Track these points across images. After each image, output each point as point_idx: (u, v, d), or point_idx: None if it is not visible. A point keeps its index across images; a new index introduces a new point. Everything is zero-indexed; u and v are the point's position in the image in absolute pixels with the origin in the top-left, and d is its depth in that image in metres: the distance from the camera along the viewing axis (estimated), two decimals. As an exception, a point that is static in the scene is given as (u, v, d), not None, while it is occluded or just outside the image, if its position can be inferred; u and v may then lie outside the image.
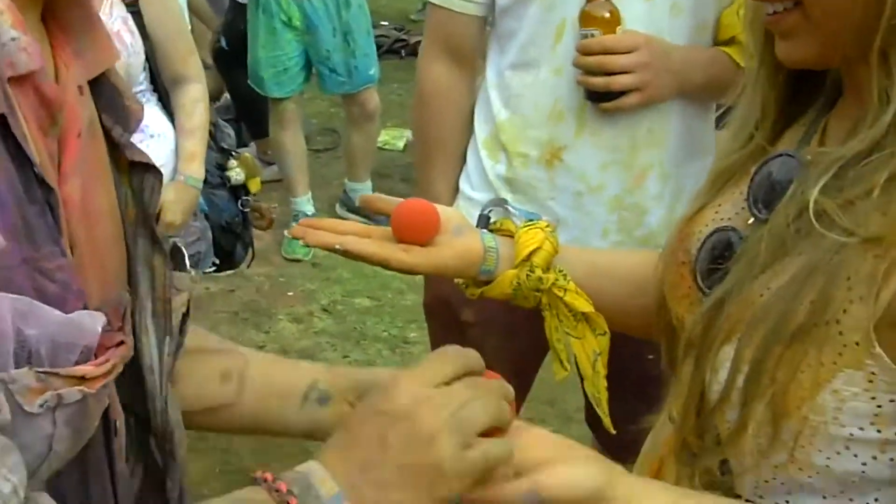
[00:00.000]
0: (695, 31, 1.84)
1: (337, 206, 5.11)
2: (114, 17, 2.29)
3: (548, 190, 1.90)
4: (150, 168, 0.92)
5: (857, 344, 0.89)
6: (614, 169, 1.87)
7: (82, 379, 0.73)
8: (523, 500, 0.87)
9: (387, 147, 6.04)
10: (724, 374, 0.99)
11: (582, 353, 1.28)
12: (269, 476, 0.82)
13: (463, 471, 0.83)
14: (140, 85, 2.44)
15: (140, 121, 0.93)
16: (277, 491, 0.80)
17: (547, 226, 1.27)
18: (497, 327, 2.01)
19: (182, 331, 0.96)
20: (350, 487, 0.82)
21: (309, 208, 4.88)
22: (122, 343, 0.79)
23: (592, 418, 2.28)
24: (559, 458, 0.91)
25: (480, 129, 1.99)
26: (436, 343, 2.27)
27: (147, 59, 2.42)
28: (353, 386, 1.12)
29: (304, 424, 1.12)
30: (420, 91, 2.08)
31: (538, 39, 1.84)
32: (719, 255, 1.07)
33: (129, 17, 2.34)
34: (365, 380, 1.12)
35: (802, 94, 1.09)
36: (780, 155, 1.05)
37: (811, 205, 0.93)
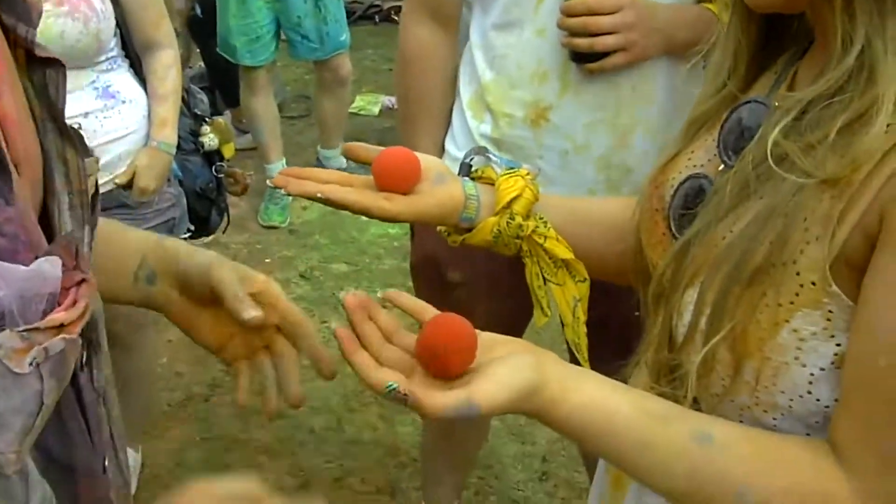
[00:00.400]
0: None
1: (312, 173, 5.07)
2: (83, -17, 2.26)
3: (534, 149, 1.90)
4: (50, 63, 0.87)
5: (813, 284, 0.91)
6: (600, 128, 1.86)
7: (61, 326, 0.71)
8: (459, 411, 0.90)
9: (362, 112, 6.04)
10: (688, 316, 1.01)
11: (562, 299, 1.29)
12: None
13: None
14: (111, 51, 2.41)
15: (41, 13, 0.89)
16: None
17: (527, 174, 1.27)
18: (484, 288, 2.02)
19: (93, 210, 0.93)
20: None
21: (284, 175, 4.84)
22: (83, 280, 0.77)
23: None
24: (489, 363, 0.95)
25: (465, 90, 1.98)
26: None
27: (118, 24, 2.40)
28: (174, 271, 1.14)
29: (138, 299, 1.15)
30: (403, 53, 2.07)
31: (521, 0, 1.83)
32: (691, 201, 1.09)
33: (100, -19, 2.30)
34: (183, 267, 1.13)
35: (774, 41, 1.10)
36: (750, 101, 1.06)
37: (769, 146, 0.95)
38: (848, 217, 0.90)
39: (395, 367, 0.96)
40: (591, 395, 0.96)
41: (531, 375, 0.93)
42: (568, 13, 1.76)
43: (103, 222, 1.14)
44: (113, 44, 2.40)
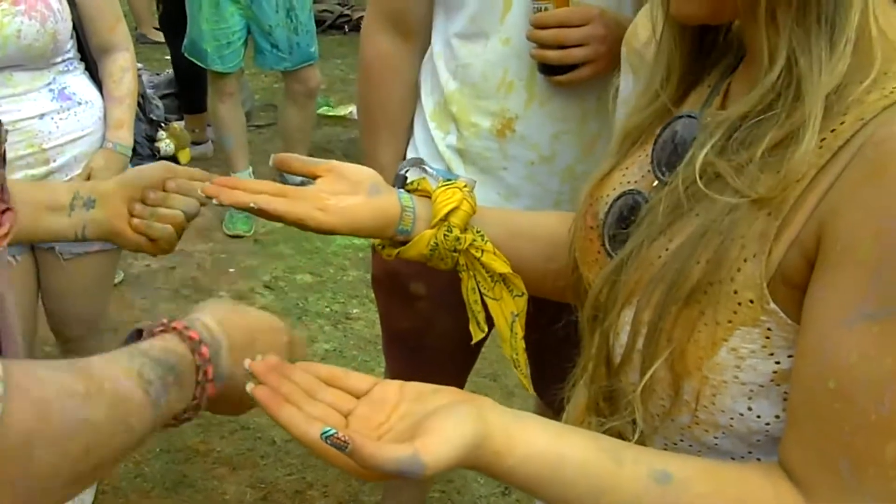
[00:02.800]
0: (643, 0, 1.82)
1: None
2: (40, -17, 2.24)
3: (500, 160, 1.88)
4: None
5: (751, 302, 0.90)
6: (566, 138, 1.85)
7: None
8: (402, 465, 0.84)
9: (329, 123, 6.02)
10: (625, 336, 0.99)
11: (500, 314, 1.26)
12: (193, 335, 0.96)
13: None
14: (67, 52, 2.40)
15: None
16: (201, 355, 0.95)
17: (465, 186, 1.25)
18: (446, 301, 1.99)
19: (3, 164, 1.01)
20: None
21: (250, 183, 4.81)
22: (7, 209, 0.88)
23: (539, 387, 2.27)
24: (428, 416, 0.89)
25: (427, 101, 1.96)
26: (384, 317, 2.24)
27: (74, 27, 2.39)
28: (119, 186, 1.34)
29: (76, 225, 1.32)
30: (364, 64, 2.04)
31: (487, 10, 1.81)
32: (626, 218, 1.07)
33: (56, -18, 2.30)
34: (129, 178, 1.36)
35: (707, 53, 1.09)
36: (682, 116, 1.05)
37: (697, 167, 0.94)
38: (784, 234, 0.89)
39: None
40: (537, 443, 0.91)
41: (475, 428, 0.88)
42: (538, 25, 1.75)
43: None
44: (69, 45, 2.40)
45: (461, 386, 2.23)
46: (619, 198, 1.09)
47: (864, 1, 0.88)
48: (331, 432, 0.83)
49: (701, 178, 0.95)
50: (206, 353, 0.94)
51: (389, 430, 0.92)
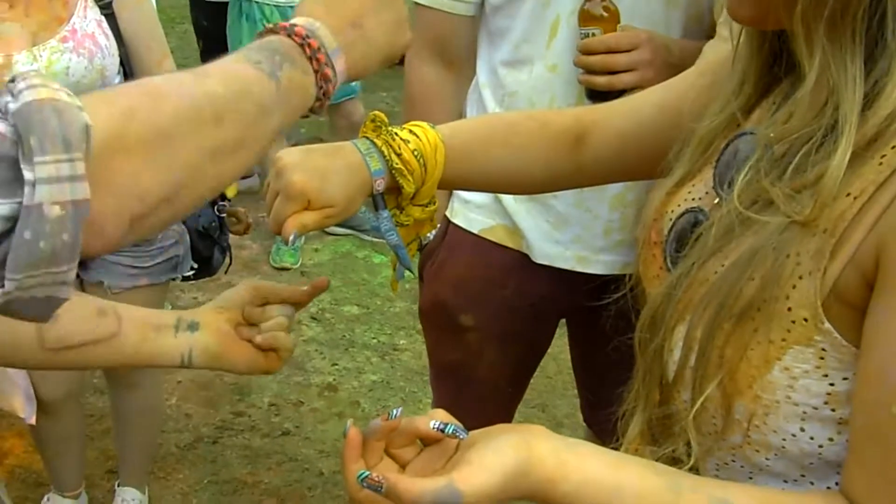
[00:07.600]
0: (689, 23, 1.82)
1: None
2: (88, 20, 2.27)
3: None
4: None
5: (805, 320, 0.88)
6: None
7: None
8: (439, 496, 0.84)
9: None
10: (678, 353, 0.98)
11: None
12: (284, 24, 0.93)
13: None
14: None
15: None
16: (297, 35, 0.93)
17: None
18: (495, 332, 1.99)
19: None
20: (345, 45, 0.98)
21: (296, 216, 4.83)
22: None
23: (589, 416, 2.25)
24: (471, 448, 0.89)
25: None
26: (432, 349, 2.22)
27: (122, 62, 2.40)
28: (219, 310, 1.30)
29: (182, 347, 1.26)
30: (409, 94, 2.05)
31: (532, 37, 1.81)
32: (687, 236, 1.05)
33: (104, 19, 2.31)
34: (225, 303, 1.31)
35: (781, 64, 1.07)
36: (746, 133, 1.03)
37: (737, 186, 0.94)
38: (841, 252, 0.87)
39: None
40: (593, 470, 0.89)
41: (517, 455, 0.87)
42: (585, 51, 1.75)
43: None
44: (117, 80, 2.40)
45: (510, 418, 2.21)
46: (682, 215, 1.08)
47: None
48: (365, 474, 0.87)
49: (755, 200, 0.94)
50: (314, 44, 0.94)
51: None
